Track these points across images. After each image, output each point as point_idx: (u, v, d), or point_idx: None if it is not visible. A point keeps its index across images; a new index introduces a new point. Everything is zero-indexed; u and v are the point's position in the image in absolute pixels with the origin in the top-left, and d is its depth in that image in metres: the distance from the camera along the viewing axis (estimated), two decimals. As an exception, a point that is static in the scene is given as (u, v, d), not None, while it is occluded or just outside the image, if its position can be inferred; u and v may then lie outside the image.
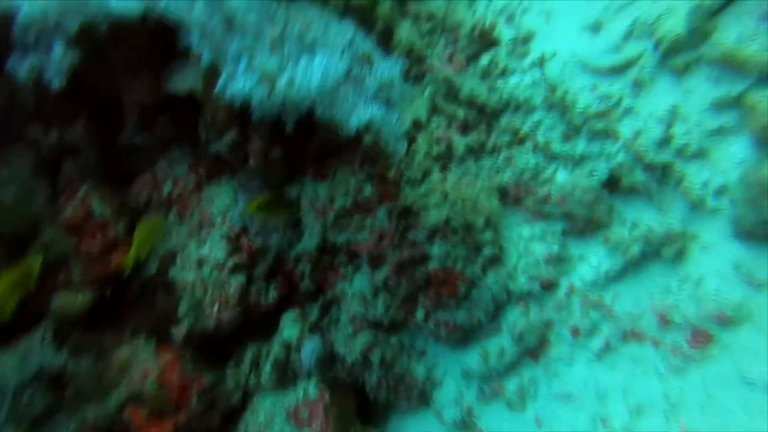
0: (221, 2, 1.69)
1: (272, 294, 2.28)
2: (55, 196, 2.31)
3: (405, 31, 2.95)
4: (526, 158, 2.44)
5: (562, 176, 2.35)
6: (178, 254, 2.31)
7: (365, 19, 2.87)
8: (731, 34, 1.98)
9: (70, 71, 1.74)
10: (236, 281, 2.18)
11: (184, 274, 2.24)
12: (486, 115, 2.71)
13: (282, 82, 1.68)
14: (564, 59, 2.62)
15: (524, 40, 2.83)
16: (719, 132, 1.99)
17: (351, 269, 2.28)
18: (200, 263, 2.22)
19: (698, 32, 2.08)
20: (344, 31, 1.89)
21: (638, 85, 2.26)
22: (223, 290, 2.17)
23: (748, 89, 1.91)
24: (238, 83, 1.69)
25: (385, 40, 2.93)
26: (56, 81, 1.73)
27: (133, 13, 1.70)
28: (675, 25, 2.14)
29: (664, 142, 2.09)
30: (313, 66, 1.71)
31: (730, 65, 1.93)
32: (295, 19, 1.80)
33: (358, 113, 1.77)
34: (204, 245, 2.25)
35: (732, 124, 1.95)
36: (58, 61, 1.71)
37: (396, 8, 3.04)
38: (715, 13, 2.06)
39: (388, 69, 1.90)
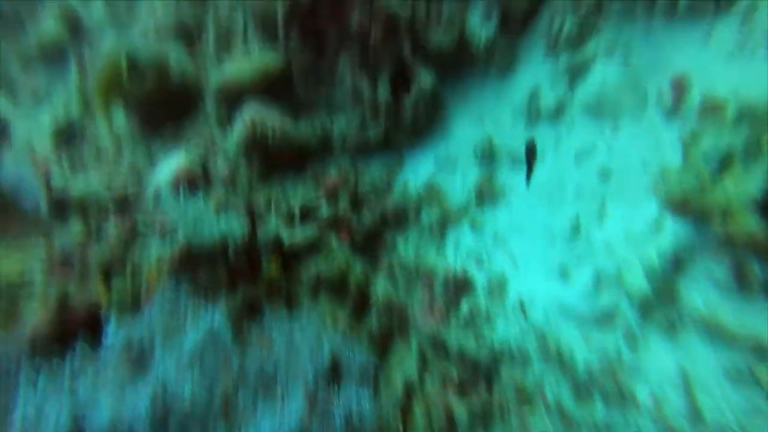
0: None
1: None
2: None
3: (381, 287, 3.00)
4: (543, 425, 2.27)
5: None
6: None
7: (337, 289, 2.92)
8: (696, 297, 2.13)
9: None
10: None
11: None
12: (481, 370, 2.61)
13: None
14: (543, 305, 2.69)
15: (499, 285, 2.94)
16: (755, 412, 1.95)
17: None
18: None
19: (664, 291, 2.23)
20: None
21: (631, 339, 2.29)
22: None
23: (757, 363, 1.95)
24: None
25: (361, 306, 2.94)
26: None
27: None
28: (637, 282, 2.30)
29: (695, 415, 2.02)
30: None
31: (719, 335, 2.02)
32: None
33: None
34: None
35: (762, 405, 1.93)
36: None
37: (368, 266, 3.15)
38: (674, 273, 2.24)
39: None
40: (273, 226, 3.07)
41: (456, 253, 3.17)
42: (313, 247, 2.97)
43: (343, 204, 3.28)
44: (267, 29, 3.85)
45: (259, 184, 3.44)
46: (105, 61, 3.59)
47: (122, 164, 3.55)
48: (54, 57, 4.73)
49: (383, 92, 3.52)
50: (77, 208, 3.13)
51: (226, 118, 3.71)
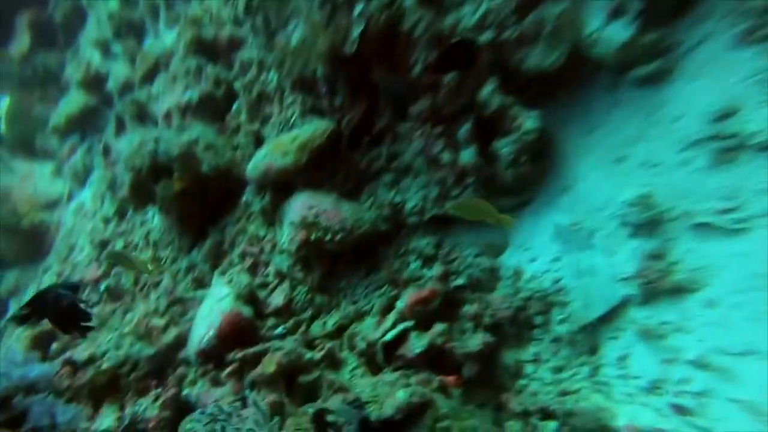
0: None
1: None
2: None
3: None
4: None
5: None
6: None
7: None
8: None
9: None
10: None
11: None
12: None
13: None
14: None
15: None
16: None
17: None
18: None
19: None
20: None
21: None
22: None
23: None
24: None
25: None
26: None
27: None
28: None
29: None
30: None
31: None
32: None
33: None
34: None
35: None
36: None
37: (492, 418, 2.13)
38: None
39: None
40: (347, 379, 2.21)
41: (626, 385, 2.04)
42: (415, 412, 1.99)
43: (440, 326, 2.30)
44: (305, 86, 3.05)
45: (323, 305, 2.61)
46: (129, 164, 3.03)
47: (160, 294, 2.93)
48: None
49: (467, 150, 2.51)
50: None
51: (271, 211, 2.95)
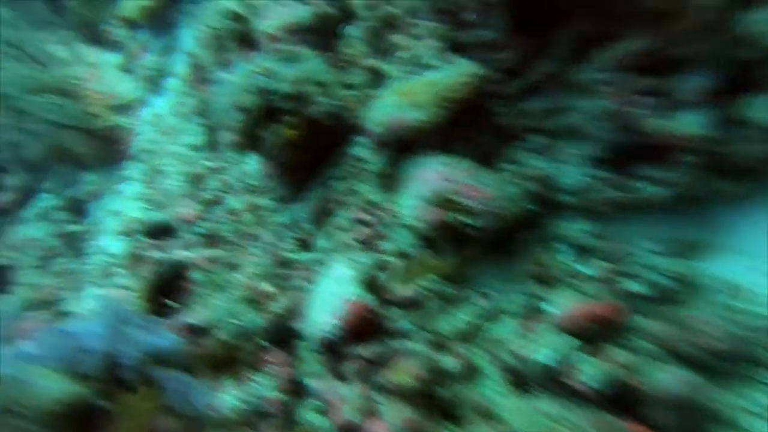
0: None
1: None
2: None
3: None
4: None
5: None
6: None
7: None
8: None
9: None
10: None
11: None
12: None
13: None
14: None
15: None
16: None
17: None
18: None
19: None
20: None
21: None
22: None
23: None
24: None
25: None
26: None
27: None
28: None
29: None
30: None
31: None
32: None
33: None
34: None
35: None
36: None
37: None
38: None
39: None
40: (490, 398, 1.89)
41: None
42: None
43: (617, 351, 1.88)
44: (448, 12, 2.30)
45: (452, 296, 2.22)
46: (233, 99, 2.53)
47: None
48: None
49: (691, 114, 1.82)
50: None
51: (391, 174, 2.44)
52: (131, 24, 4.84)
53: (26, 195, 5.61)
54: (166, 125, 4.13)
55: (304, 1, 2.50)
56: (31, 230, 5.12)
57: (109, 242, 4.34)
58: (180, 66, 4.06)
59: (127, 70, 5.45)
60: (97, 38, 6.09)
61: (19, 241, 5.28)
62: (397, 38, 2.40)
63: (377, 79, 2.51)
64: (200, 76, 3.51)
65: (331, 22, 2.53)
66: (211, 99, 3.16)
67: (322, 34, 2.53)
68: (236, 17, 2.81)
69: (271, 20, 2.51)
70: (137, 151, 4.56)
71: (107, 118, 4.96)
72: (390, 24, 2.42)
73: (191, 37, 3.84)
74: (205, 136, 3.28)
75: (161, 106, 4.44)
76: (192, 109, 3.54)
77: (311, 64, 2.43)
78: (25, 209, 5.55)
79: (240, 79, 2.38)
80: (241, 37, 2.83)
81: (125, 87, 5.26)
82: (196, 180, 3.21)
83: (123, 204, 4.18)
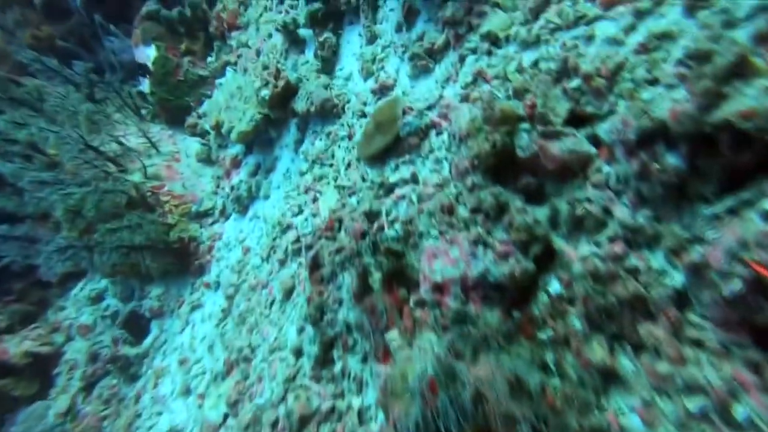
0: None
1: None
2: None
3: None
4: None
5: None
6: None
7: None
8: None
9: None
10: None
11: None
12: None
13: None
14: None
15: None
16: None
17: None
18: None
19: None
20: None
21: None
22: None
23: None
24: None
25: None
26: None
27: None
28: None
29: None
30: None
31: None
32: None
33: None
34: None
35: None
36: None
37: None
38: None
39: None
40: None
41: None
42: None
43: None
44: None
45: None
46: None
47: None
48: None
49: None
50: None
51: None
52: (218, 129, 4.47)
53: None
54: (251, 263, 3.64)
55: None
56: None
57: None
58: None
59: (209, 160, 5.09)
60: (179, 122, 5.81)
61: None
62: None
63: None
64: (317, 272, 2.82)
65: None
66: (330, 303, 2.59)
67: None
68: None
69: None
70: (214, 280, 4.08)
71: (184, 228, 4.55)
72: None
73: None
74: (314, 345, 2.58)
75: (250, 239, 3.95)
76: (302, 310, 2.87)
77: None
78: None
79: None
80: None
81: (206, 187, 4.87)
82: (288, 383, 2.61)
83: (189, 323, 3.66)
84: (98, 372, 4.47)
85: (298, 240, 3.21)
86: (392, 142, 2.77)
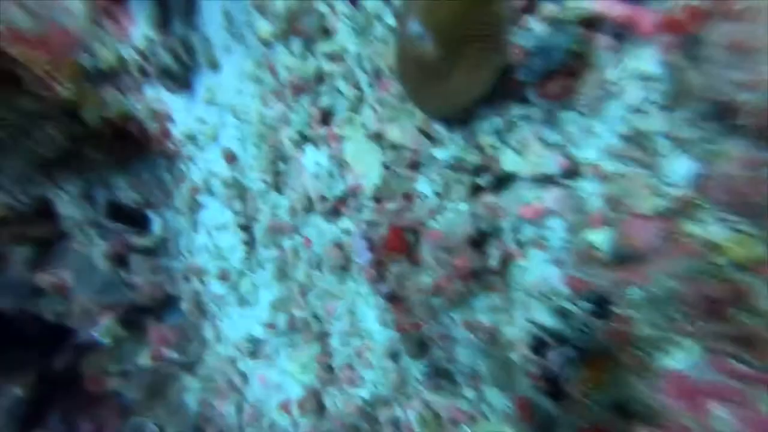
0: None
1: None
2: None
3: None
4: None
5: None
6: None
7: None
8: None
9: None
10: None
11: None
12: None
13: None
14: None
15: None
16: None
17: None
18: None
19: None
20: None
21: None
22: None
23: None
24: None
25: None
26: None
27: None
28: None
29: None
30: None
31: None
32: None
33: None
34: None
35: None
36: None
37: None
38: None
39: None
40: None
41: None
42: None
43: None
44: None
45: None
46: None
47: None
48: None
49: None
50: None
51: None
52: None
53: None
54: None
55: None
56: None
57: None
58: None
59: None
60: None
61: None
62: None
63: None
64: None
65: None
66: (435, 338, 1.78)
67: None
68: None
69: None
70: (203, 186, 2.99)
71: (94, 100, 2.97)
72: None
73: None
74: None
75: (226, 139, 2.55)
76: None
77: None
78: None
79: None
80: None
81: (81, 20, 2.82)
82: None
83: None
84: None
85: (324, 198, 2.08)
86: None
